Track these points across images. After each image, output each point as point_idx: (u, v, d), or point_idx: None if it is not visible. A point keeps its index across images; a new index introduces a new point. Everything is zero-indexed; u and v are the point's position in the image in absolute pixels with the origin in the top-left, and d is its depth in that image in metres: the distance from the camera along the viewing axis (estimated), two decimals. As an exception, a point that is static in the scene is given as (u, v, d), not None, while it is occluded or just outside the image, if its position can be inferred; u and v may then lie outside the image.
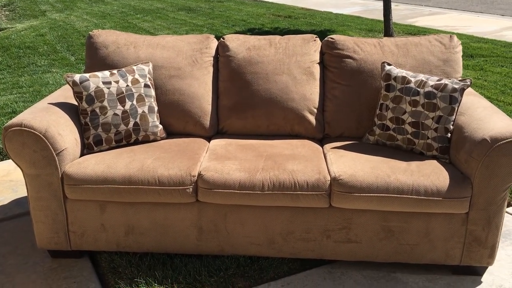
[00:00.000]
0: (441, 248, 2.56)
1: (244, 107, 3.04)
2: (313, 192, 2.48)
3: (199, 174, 2.54)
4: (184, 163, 2.60)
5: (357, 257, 2.64)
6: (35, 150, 2.48)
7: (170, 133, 3.07)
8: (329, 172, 2.56)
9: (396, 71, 2.82)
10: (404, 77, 2.76)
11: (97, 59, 3.12)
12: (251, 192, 2.49)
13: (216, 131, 3.13)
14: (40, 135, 2.47)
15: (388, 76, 2.82)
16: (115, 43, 3.15)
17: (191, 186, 2.52)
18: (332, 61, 3.11)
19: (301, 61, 3.09)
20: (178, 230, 2.63)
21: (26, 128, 2.45)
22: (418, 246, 2.57)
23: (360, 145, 2.89)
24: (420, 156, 2.70)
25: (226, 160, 2.64)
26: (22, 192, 3.49)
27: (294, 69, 3.06)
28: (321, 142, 3.03)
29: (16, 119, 2.50)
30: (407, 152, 2.76)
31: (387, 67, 2.87)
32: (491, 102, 4.52)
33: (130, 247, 2.69)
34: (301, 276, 2.63)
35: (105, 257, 2.76)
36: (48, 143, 2.49)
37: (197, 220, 2.61)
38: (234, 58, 3.11)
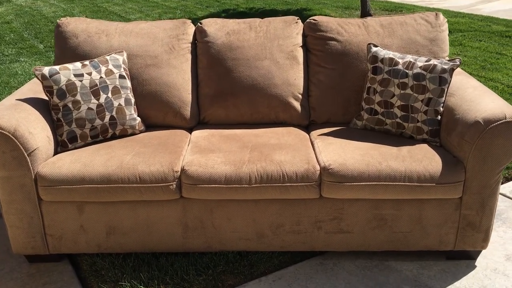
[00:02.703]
0: (435, 234, 2.50)
1: (225, 96, 2.90)
2: (303, 183, 2.38)
3: (182, 169, 2.41)
4: (166, 158, 2.46)
5: (349, 247, 2.56)
6: (4, 151, 2.31)
7: (149, 126, 2.91)
8: (318, 161, 2.46)
9: (383, 52, 2.71)
10: (391, 59, 2.66)
11: (67, 50, 2.93)
12: (238, 186, 2.37)
13: (198, 122, 2.98)
14: (9, 134, 2.30)
15: (374, 58, 2.71)
16: (86, 32, 2.96)
17: (174, 183, 2.39)
18: (315, 44, 2.98)
19: (284, 44, 2.96)
20: (163, 228, 2.51)
21: (-7, 128, 2.28)
22: (411, 233, 2.51)
23: (348, 130, 2.79)
24: (410, 140, 2.62)
25: (210, 153, 2.52)
26: (-6, 192, 3.31)
27: (276, 54, 2.93)
28: (307, 129, 2.92)
29: (-19, 119, 2.32)
30: (397, 137, 2.67)
31: (373, 49, 2.76)
32: (474, 79, 4.46)
33: (113, 248, 2.56)
34: (292, 270, 2.55)
35: (86, 259, 2.62)
36: (18, 143, 2.32)
37: (182, 217, 2.49)
38: (213, 44, 2.96)
